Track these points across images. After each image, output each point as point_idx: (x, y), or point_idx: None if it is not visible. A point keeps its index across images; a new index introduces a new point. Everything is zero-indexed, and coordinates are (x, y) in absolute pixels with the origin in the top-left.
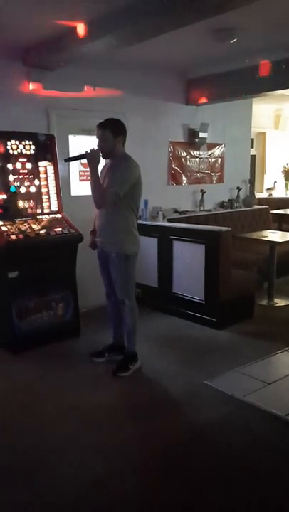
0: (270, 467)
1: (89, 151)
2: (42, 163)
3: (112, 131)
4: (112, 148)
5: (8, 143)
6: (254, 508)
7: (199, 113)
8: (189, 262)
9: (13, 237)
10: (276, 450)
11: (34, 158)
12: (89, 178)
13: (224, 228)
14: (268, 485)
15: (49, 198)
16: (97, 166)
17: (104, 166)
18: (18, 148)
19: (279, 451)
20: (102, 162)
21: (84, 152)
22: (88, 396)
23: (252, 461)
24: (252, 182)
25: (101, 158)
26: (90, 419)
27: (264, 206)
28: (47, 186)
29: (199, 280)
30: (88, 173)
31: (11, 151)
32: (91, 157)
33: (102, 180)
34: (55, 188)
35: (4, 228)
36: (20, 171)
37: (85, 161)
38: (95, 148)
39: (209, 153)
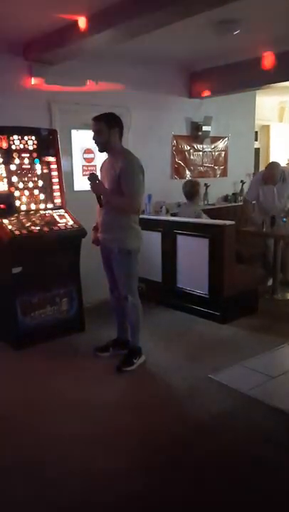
0: (275, 462)
1: (91, 183)
2: (44, 158)
3: (106, 123)
4: (107, 141)
5: (11, 138)
6: (258, 502)
7: (202, 106)
8: (193, 257)
9: (17, 232)
10: (281, 444)
11: (37, 153)
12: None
13: (228, 222)
14: (272, 480)
15: (52, 193)
16: (104, 190)
17: (103, 164)
18: (20, 143)
19: (284, 446)
20: (102, 157)
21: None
22: (92, 391)
23: (256, 456)
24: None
25: (100, 152)
26: (94, 413)
27: None
28: (50, 181)
29: (203, 274)
30: (91, 167)
31: (13, 147)
32: (94, 187)
33: (102, 177)
34: (58, 183)
35: (8, 224)
36: (23, 166)
37: (90, 158)
38: (95, 173)
39: (213, 146)
